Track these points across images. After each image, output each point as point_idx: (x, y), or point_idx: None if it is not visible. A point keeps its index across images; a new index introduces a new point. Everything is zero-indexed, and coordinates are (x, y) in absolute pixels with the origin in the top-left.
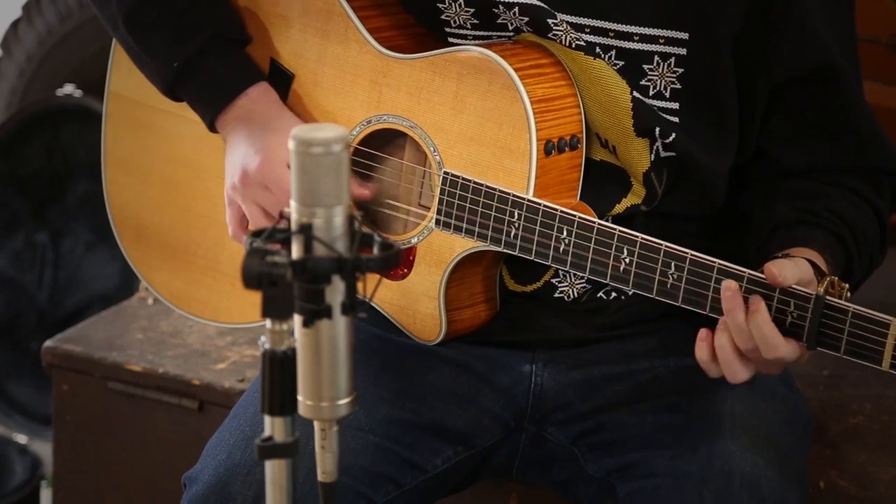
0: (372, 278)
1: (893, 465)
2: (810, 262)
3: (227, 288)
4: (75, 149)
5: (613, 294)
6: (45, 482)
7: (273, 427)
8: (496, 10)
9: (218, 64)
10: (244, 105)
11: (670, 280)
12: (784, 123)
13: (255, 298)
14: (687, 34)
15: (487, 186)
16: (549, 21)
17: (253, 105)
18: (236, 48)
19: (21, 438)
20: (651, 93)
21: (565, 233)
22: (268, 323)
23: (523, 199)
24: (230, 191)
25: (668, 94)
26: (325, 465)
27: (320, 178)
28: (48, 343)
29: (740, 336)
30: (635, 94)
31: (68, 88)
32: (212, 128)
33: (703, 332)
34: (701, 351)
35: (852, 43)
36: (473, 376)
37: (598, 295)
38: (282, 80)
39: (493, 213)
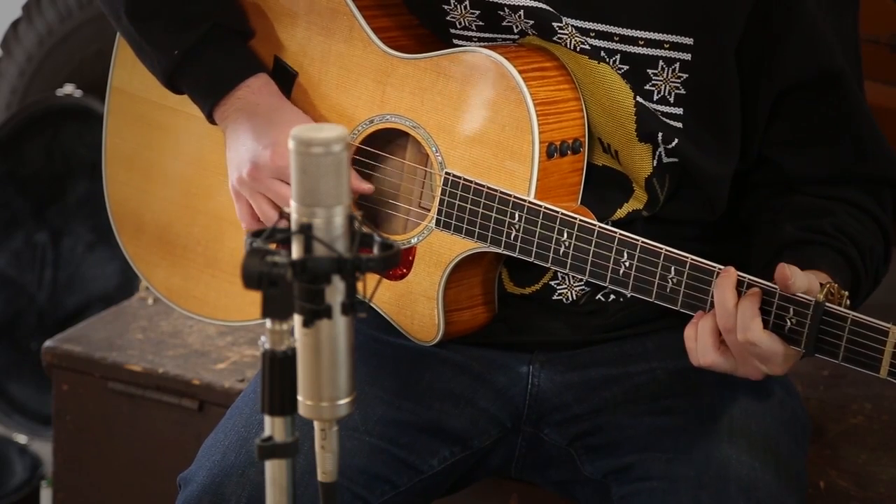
0: (372, 278)
1: (893, 465)
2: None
3: (225, 285)
4: (75, 149)
5: (612, 296)
6: (45, 482)
7: (273, 427)
8: (502, 13)
9: (218, 54)
10: (245, 97)
11: (670, 284)
12: (786, 129)
13: (253, 296)
14: (692, 39)
15: (489, 188)
16: (555, 24)
17: (255, 97)
18: (238, 40)
19: (21, 438)
20: (655, 97)
21: (566, 235)
22: (268, 323)
23: (524, 200)
24: (236, 184)
25: (672, 100)
26: (325, 465)
27: (320, 178)
28: (48, 343)
29: (723, 314)
30: (639, 98)
31: (68, 88)
32: (210, 119)
33: (699, 313)
34: (689, 328)
35: (856, 51)
36: (471, 377)
37: (597, 297)
38: (285, 78)
39: (493, 215)
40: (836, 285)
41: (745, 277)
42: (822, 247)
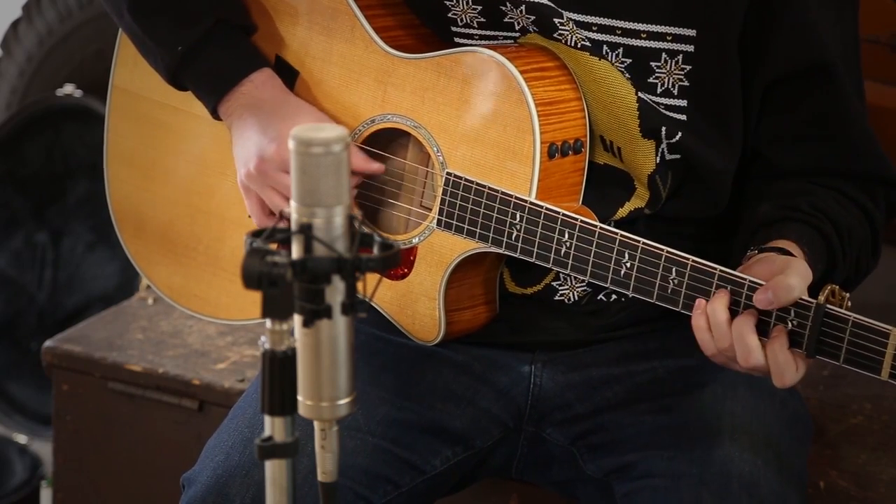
0: (372, 278)
1: (893, 465)
2: (784, 250)
3: (226, 284)
4: (75, 149)
5: (613, 296)
6: (45, 482)
7: (273, 427)
8: (503, 9)
9: (221, 50)
10: (249, 92)
11: (671, 285)
12: (777, 122)
13: (254, 295)
14: (694, 31)
15: (490, 188)
16: (556, 20)
17: (259, 92)
18: (241, 35)
19: (21, 438)
20: (659, 90)
21: (567, 236)
22: (268, 323)
23: (525, 201)
24: (245, 179)
25: (675, 92)
26: (325, 465)
27: (320, 179)
28: (48, 343)
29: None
30: (641, 94)
31: (68, 88)
32: (214, 115)
33: (699, 301)
34: (698, 318)
35: (854, 47)
36: (472, 377)
37: (599, 297)
38: (287, 77)
39: (494, 215)
40: (837, 287)
41: (745, 279)
42: (796, 222)
